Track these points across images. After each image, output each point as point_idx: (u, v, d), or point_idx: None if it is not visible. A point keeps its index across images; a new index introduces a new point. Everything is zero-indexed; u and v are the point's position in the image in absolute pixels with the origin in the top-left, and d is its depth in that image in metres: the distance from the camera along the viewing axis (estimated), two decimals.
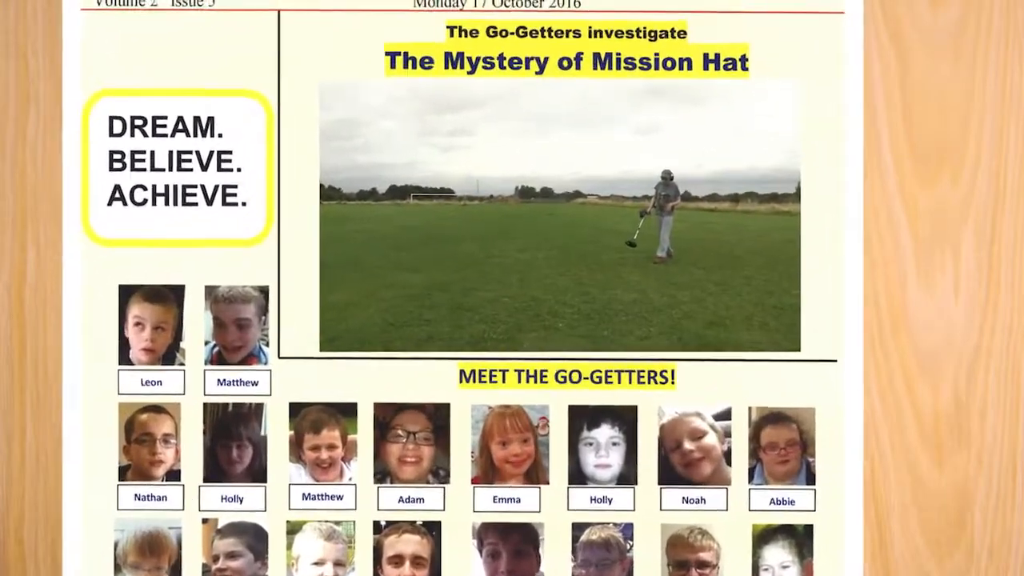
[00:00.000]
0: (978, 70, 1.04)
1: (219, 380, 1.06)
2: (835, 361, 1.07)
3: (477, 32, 1.08)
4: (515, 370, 1.07)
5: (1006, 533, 1.02)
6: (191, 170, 1.06)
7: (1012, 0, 1.03)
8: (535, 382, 1.06)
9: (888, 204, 1.07)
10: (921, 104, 1.06)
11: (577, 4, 1.07)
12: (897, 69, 1.06)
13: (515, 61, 1.11)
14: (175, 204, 1.06)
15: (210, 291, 1.06)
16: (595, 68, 1.12)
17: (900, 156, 1.06)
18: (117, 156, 1.05)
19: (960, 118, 1.04)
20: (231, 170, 1.06)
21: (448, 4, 1.08)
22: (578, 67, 1.11)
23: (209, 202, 1.06)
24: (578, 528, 1.06)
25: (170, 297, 1.06)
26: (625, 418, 1.07)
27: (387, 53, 1.09)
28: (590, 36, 1.09)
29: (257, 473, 1.06)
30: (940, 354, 1.04)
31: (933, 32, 1.04)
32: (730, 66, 1.12)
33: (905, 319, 1.06)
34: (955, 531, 1.03)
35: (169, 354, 1.06)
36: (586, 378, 1.06)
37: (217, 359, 1.07)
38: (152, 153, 1.06)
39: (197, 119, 1.06)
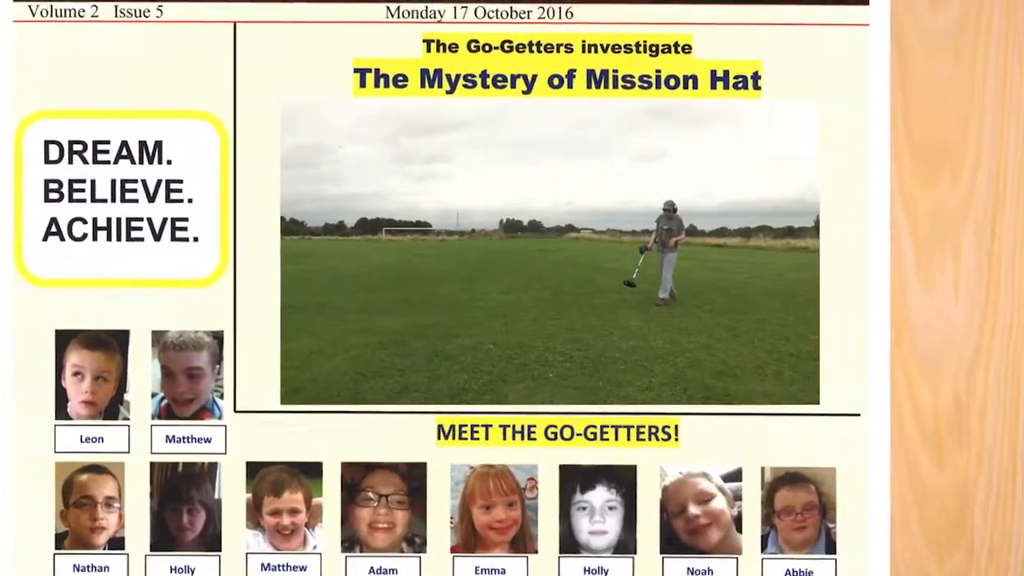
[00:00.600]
0: (978, 70, 1.08)
1: (168, 437, 1.05)
2: (858, 415, 1.06)
3: (457, 47, 1.07)
4: (500, 425, 1.05)
5: (1006, 533, 1.06)
6: (136, 201, 1.05)
7: (1012, 0, 1.07)
8: (522, 439, 1.05)
9: (905, 227, 1.09)
10: (921, 104, 1.08)
11: (569, 15, 1.07)
12: (898, 69, 1.08)
13: (500, 79, 1.10)
14: (118, 239, 1.05)
15: (158, 337, 1.04)
16: (589, 87, 1.12)
17: (900, 156, 1.08)
18: (53, 185, 1.04)
19: (960, 118, 1.08)
20: (181, 201, 1.05)
21: (424, 15, 1.07)
22: (570, 86, 1.11)
23: (157, 237, 1.05)
24: None
25: (113, 344, 1.04)
26: (623, 479, 1.05)
27: (356, 70, 1.08)
28: (584, 51, 1.08)
29: (210, 541, 1.04)
30: (940, 354, 1.07)
31: (933, 32, 1.08)
32: (741, 85, 1.12)
33: (934, 359, 1.08)
34: (955, 531, 1.07)
35: (112, 408, 1.05)
36: (579, 434, 1.05)
37: (165, 413, 1.05)
38: (93, 182, 1.04)
39: (143, 144, 1.04)
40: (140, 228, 1.07)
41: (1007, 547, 1.06)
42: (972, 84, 1.08)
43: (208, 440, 1.05)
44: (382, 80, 1.10)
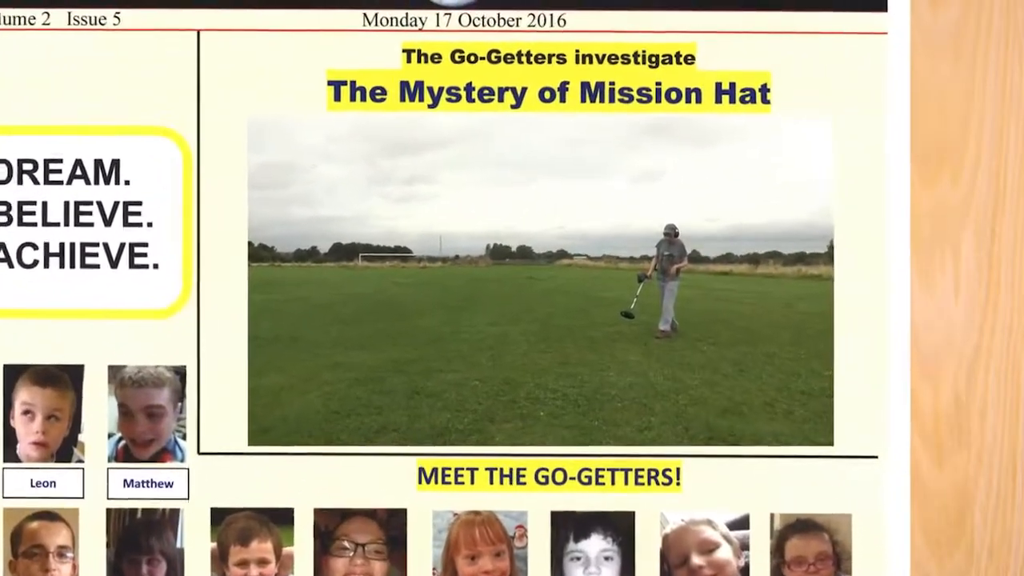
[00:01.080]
0: (978, 70, 1.11)
1: (126, 481, 1.05)
2: (875, 458, 1.06)
3: (440, 57, 1.08)
4: (486, 468, 1.05)
5: (1006, 533, 1.09)
6: (91, 225, 1.04)
7: (1012, 0, 1.11)
8: (511, 483, 1.05)
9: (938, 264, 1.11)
10: (921, 104, 1.10)
11: (562, 23, 1.07)
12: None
13: (486, 93, 1.10)
14: (72, 266, 1.04)
15: (114, 372, 1.04)
16: (584, 101, 1.12)
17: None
18: (1, 208, 1.04)
19: (960, 118, 1.11)
20: (140, 225, 1.04)
21: (404, 23, 1.07)
22: (563, 100, 1.11)
23: (113, 264, 1.05)
24: None
25: (65, 380, 1.04)
26: (620, 527, 1.05)
27: (330, 82, 1.09)
28: (578, 62, 1.08)
29: None
30: (940, 354, 1.10)
31: (933, 32, 1.10)
32: (748, 99, 1.12)
33: (969, 394, 1.09)
34: (955, 531, 1.09)
35: (64, 449, 1.04)
36: (572, 478, 1.04)
37: (123, 455, 1.05)
38: (44, 204, 1.04)
39: (99, 163, 1.04)
40: (95, 254, 1.06)
41: (1007, 547, 1.09)
42: (972, 84, 1.11)
43: (170, 484, 1.05)
44: (358, 93, 1.10)
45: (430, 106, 1.06)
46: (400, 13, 1.05)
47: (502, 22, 1.04)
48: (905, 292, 1.06)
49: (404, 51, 1.05)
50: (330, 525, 1.02)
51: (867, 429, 1.04)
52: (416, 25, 1.05)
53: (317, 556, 1.02)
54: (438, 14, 1.05)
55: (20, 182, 1.01)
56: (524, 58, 1.06)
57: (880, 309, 1.06)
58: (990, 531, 1.09)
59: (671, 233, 4.15)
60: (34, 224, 1.03)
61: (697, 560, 1.03)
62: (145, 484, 1.01)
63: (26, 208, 1.03)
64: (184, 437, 1.00)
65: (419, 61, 1.06)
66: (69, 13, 1.03)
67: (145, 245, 1.01)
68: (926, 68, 1.09)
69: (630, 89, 1.06)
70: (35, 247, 1.01)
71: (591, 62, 1.07)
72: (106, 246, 1.01)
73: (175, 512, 1.00)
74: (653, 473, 1.04)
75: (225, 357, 1.01)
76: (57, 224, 1.03)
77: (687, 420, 1.90)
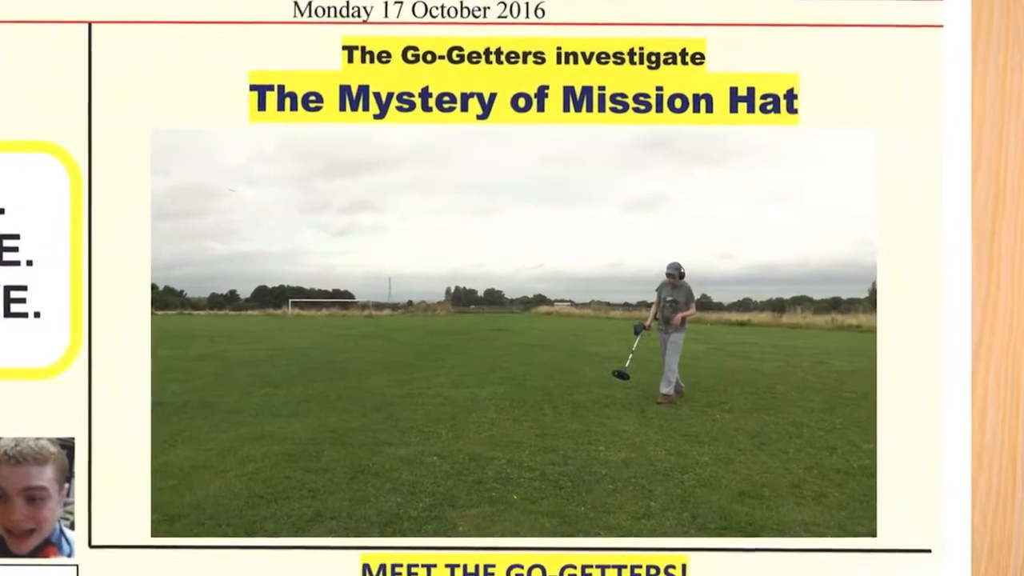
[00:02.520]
0: (977, 70, 1.15)
1: None
2: (928, 552, 1.06)
3: (389, 56, 1.07)
4: (446, 565, 1.05)
5: (1006, 533, 1.17)
6: None
7: (1011, 1, 1.14)
8: None
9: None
10: (987, 111, 1.16)
11: (540, 14, 1.06)
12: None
13: (446, 100, 1.09)
14: None
15: None
16: (567, 110, 1.11)
17: None
18: None
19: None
20: (18, 263, 1.04)
21: (345, 13, 1.05)
22: (541, 108, 1.11)
23: None
24: None
25: None
26: None
27: (253, 87, 1.08)
28: (559, 61, 1.07)
29: None
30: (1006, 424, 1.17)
31: (1001, 24, 1.15)
32: (771, 107, 1.11)
33: None
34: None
35: None
36: None
37: None
38: None
39: None
40: None
41: (1007, 547, 1.16)
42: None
43: None
44: (288, 101, 1.09)
45: (377, 116, 1.04)
46: (340, 1, 1.03)
47: (466, 12, 1.03)
48: (966, 346, 1.06)
49: (345, 48, 1.04)
50: None
51: (918, 516, 1.03)
52: (359, 16, 1.03)
53: None
54: (386, 2, 1.04)
55: None
56: (493, 57, 1.04)
57: (935, 368, 1.05)
58: (990, 531, 1.14)
59: (675, 274, 4.18)
60: None
61: None
62: None
63: None
64: (72, 526, 0.99)
65: (363, 61, 1.04)
66: None
67: (24, 288, 0.99)
68: (992, 67, 1.10)
69: (624, 96, 1.05)
70: None
71: (576, 62, 1.05)
72: None
73: None
74: (653, 571, 1.03)
75: (123, 427, 0.99)
76: None
77: (695, 505, 1.90)
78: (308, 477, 2.24)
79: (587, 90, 1.06)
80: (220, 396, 3.94)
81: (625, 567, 1.03)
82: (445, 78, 1.06)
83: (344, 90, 1.05)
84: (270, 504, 1.89)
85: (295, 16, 1.03)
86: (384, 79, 1.05)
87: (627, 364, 4.31)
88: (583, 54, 1.06)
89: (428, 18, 1.04)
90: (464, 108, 1.06)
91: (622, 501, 2.02)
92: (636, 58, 1.05)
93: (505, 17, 1.04)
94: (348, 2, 1.02)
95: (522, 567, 1.03)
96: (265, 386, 4.40)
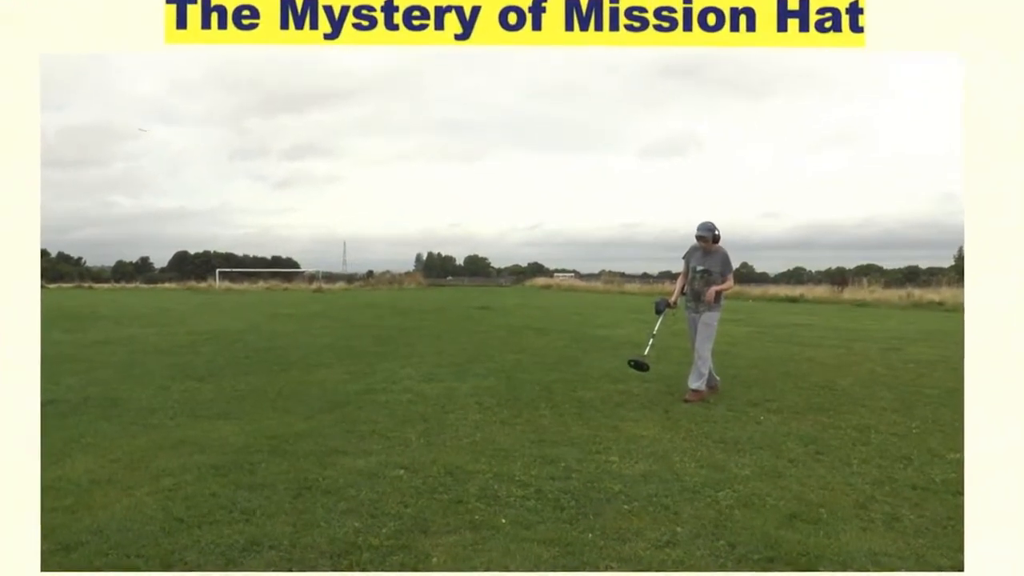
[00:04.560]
0: None
1: None
2: None
3: None
4: None
5: None
6: None
7: None
8: None
9: None
10: None
11: None
12: None
13: (416, 15, 1.10)
14: None
15: None
16: (569, 28, 1.12)
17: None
18: None
19: None
20: None
21: None
22: (537, 25, 1.11)
23: None
24: None
25: None
26: None
27: (170, 1, 1.07)
28: None
29: None
30: None
31: None
32: (829, 24, 1.13)
33: None
34: None
35: None
36: None
37: None
38: None
39: None
40: None
41: None
42: None
43: None
44: (215, 16, 1.10)
45: (328, 36, 1.04)
46: None
47: None
48: None
49: None
50: None
51: (1016, 546, 1.03)
52: None
53: None
54: None
55: None
56: None
57: None
58: None
59: (707, 236, 4.11)
60: None
61: None
62: None
63: None
64: None
65: None
66: None
67: None
68: None
69: (643, 10, 1.05)
70: None
71: None
72: None
73: None
74: None
75: (4, 432, 0.98)
76: None
77: (733, 531, 1.91)
78: (241, 495, 2.24)
79: (595, 2, 1.06)
80: (129, 392, 3.96)
81: None
82: None
83: (287, 3, 1.04)
84: (192, 529, 1.90)
85: None
86: None
87: (646, 352, 4.25)
88: None
89: None
90: (439, 26, 1.06)
91: (640, 526, 2.03)
92: None
93: None
94: None
95: None
96: (186, 379, 4.43)
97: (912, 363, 6.14)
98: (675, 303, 4.70)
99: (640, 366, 4.63)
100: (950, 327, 8.14)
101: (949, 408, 3.73)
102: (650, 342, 4.63)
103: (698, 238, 4.56)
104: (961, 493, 1.98)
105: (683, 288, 4.69)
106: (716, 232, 4.59)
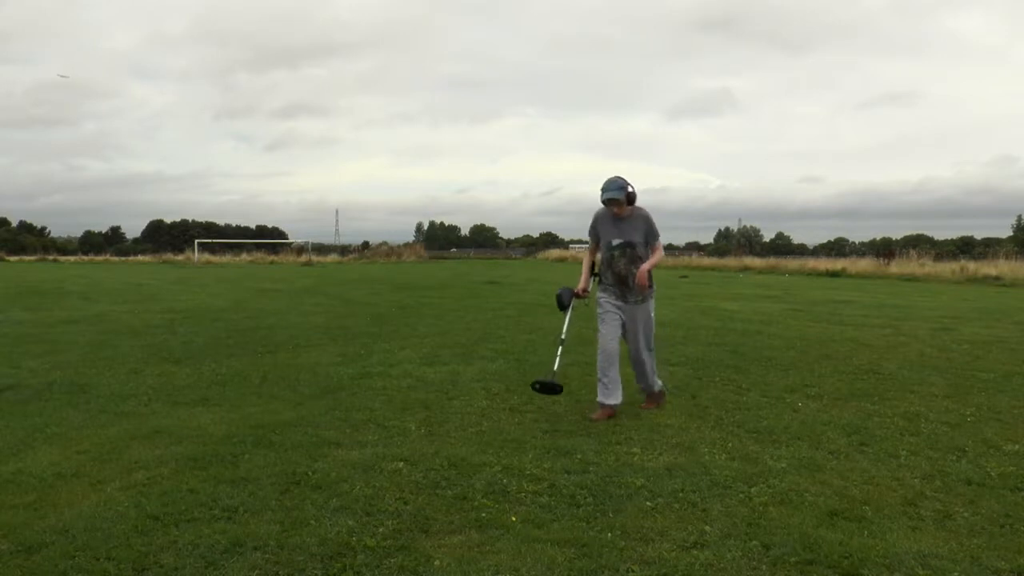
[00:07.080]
0: None
1: None
2: None
3: None
4: None
5: None
6: None
7: None
8: None
9: None
10: None
11: None
12: None
13: None
14: None
15: None
16: None
17: None
18: None
19: None
20: None
21: None
22: None
23: None
24: None
25: None
26: None
27: None
28: None
29: None
30: None
31: None
32: None
33: None
34: None
35: None
36: None
37: None
38: None
39: None
40: None
41: None
42: None
43: None
44: None
45: None
46: None
47: None
48: None
49: None
50: None
51: None
52: None
53: None
54: None
55: None
56: None
57: None
58: None
59: (620, 196, 3.88)
60: None
61: None
62: None
63: None
64: None
65: None
66: None
67: None
68: None
69: None
70: None
71: None
72: None
73: None
74: None
75: None
76: None
77: (768, 530, 1.89)
78: (222, 490, 2.22)
79: None
80: (98, 376, 3.94)
81: None
82: None
83: None
84: (168, 528, 1.88)
85: None
86: None
87: (555, 367, 3.88)
88: None
89: None
90: None
91: (665, 525, 2.01)
92: None
93: None
94: None
95: None
96: (161, 362, 4.42)
97: (966, 344, 6.15)
98: (585, 291, 4.39)
99: (549, 388, 4.07)
100: (1008, 304, 8.15)
101: (1007, 394, 3.82)
102: (559, 351, 4.30)
103: (606, 202, 4.31)
104: (1020, 489, 1.96)
105: (593, 270, 4.45)
106: (630, 190, 4.35)
